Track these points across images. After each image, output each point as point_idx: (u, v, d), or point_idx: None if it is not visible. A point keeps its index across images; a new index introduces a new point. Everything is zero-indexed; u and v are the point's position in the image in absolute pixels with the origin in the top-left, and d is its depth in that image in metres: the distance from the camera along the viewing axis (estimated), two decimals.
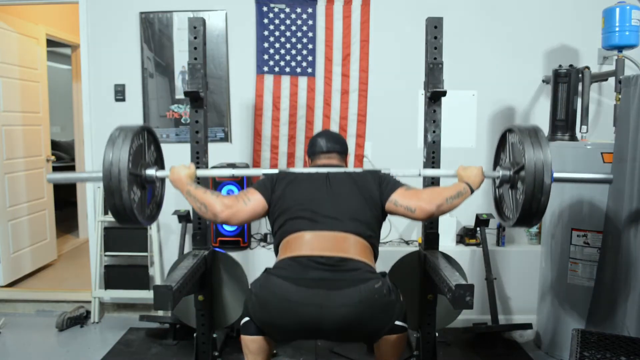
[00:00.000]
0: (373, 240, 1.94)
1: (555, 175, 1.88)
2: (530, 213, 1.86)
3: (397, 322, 1.99)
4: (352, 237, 1.86)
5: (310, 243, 1.83)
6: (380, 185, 1.97)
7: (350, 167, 2.05)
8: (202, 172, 2.12)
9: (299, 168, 2.05)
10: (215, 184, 3.08)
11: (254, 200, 1.94)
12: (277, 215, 1.95)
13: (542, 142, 1.84)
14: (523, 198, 1.84)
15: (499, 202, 2.18)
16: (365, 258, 1.86)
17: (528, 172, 1.81)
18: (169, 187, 2.10)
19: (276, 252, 1.98)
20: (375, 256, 1.98)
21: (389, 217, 3.38)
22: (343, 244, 1.83)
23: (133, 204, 1.86)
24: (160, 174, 2.04)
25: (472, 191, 1.93)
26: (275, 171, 2.04)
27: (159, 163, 2.17)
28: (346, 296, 1.73)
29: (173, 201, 3.35)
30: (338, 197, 1.93)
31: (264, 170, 2.11)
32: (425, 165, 2.40)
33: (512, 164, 2.00)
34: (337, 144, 2.17)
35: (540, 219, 1.90)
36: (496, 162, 2.19)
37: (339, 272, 1.78)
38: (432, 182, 2.38)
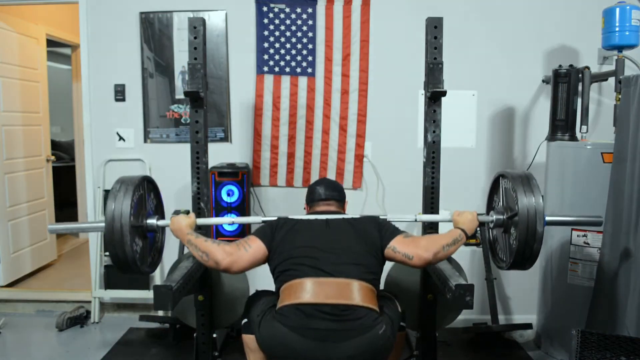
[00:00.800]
0: (375, 282, 1.94)
1: (548, 219, 1.95)
2: (524, 258, 1.93)
3: None
4: (356, 282, 1.85)
5: (313, 290, 1.82)
6: (380, 231, 1.98)
7: (350, 214, 2.12)
8: (202, 221, 2.16)
9: (298, 215, 2.08)
10: (216, 183, 3.09)
11: (255, 247, 1.95)
12: (278, 262, 1.94)
13: (534, 189, 1.92)
14: (517, 244, 1.91)
15: (492, 245, 2.23)
16: (370, 303, 1.85)
17: (521, 219, 1.89)
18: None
19: (277, 295, 1.97)
20: (378, 293, 1.98)
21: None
22: (346, 291, 1.82)
23: (135, 255, 1.91)
24: (161, 223, 2.10)
25: (467, 236, 1.98)
26: (274, 218, 2.07)
27: (159, 211, 2.23)
28: (352, 347, 1.76)
29: (173, 201, 3.35)
30: (339, 243, 1.93)
31: (264, 217, 2.15)
32: (426, 165, 2.40)
33: (505, 209, 2.05)
34: (335, 192, 2.21)
35: (533, 263, 1.96)
36: (489, 205, 2.25)
37: (345, 321, 1.78)
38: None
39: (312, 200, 2.21)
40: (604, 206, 2.50)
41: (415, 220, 2.20)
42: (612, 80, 3.00)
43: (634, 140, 2.29)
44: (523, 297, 3.18)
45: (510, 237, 2.01)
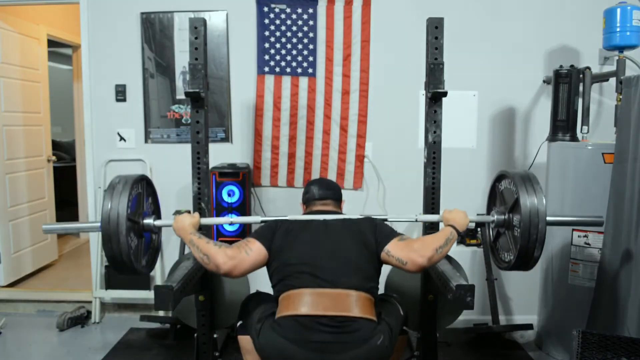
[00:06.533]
0: (374, 290, 1.93)
1: (549, 219, 1.94)
2: (526, 259, 1.94)
3: None
4: (354, 293, 1.84)
5: (311, 301, 1.81)
6: (375, 234, 1.96)
7: (349, 215, 2.09)
8: (205, 221, 2.15)
9: (297, 215, 2.08)
10: (217, 183, 3.09)
11: (256, 250, 1.92)
12: (276, 268, 1.93)
13: (536, 189, 1.92)
14: (519, 245, 1.91)
15: (493, 245, 2.22)
16: (368, 313, 1.84)
17: (523, 219, 1.88)
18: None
19: (275, 300, 1.95)
20: (376, 300, 1.97)
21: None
22: (345, 302, 1.81)
23: (131, 255, 1.90)
24: (158, 223, 2.09)
25: (459, 234, 1.95)
26: (274, 219, 2.05)
27: (157, 213, 2.22)
28: (350, 358, 1.75)
29: (174, 201, 3.36)
30: (338, 250, 1.91)
31: (263, 217, 2.15)
32: (426, 166, 2.40)
33: (506, 209, 2.04)
34: (329, 191, 2.20)
35: (535, 263, 1.97)
36: (490, 205, 2.24)
37: (343, 334, 1.77)
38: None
39: (308, 200, 2.20)
40: (604, 207, 2.50)
41: (416, 220, 2.20)
42: (613, 80, 3.00)
43: (634, 141, 2.29)
44: (524, 297, 3.18)
45: (512, 237, 2.00)
